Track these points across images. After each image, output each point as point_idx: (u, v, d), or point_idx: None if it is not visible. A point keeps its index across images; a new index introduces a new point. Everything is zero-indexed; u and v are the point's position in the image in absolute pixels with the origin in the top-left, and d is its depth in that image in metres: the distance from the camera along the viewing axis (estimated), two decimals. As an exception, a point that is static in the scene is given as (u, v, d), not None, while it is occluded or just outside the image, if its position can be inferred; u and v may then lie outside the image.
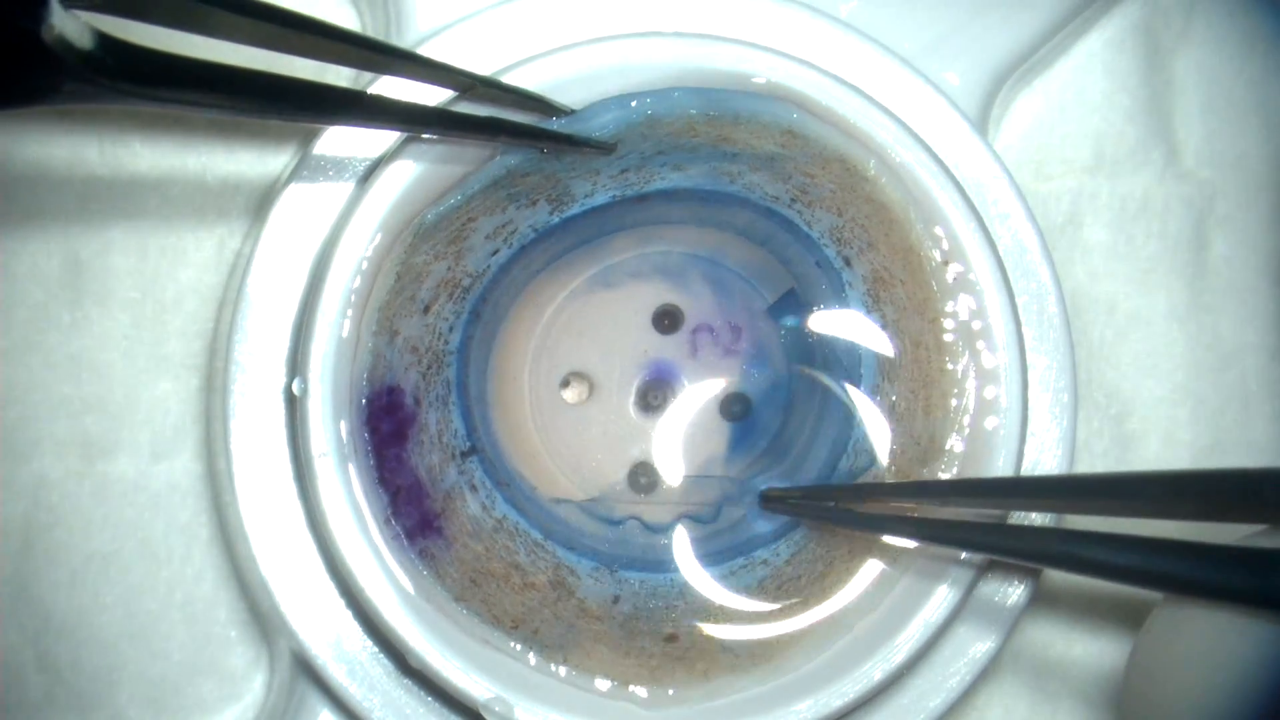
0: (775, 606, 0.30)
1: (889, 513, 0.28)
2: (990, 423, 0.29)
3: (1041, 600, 0.34)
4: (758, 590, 0.30)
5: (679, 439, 0.33)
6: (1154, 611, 0.23)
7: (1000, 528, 0.27)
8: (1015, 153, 0.35)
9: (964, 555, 0.28)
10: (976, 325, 0.29)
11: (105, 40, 0.19)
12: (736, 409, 0.33)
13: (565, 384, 0.33)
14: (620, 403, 0.33)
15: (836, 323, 0.32)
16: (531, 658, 0.28)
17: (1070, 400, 0.30)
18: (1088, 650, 0.34)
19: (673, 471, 0.32)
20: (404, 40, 0.31)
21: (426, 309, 0.30)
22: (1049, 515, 0.29)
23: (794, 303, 0.32)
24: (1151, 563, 0.20)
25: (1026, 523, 0.28)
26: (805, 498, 0.30)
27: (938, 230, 0.29)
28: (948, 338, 0.30)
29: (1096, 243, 0.35)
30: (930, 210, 0.29)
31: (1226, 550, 0.20)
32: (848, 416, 0.31)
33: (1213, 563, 0.19)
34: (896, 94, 0.30)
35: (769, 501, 0.30)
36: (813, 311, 0.32)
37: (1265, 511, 0.20)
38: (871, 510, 0.28)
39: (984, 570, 0.29)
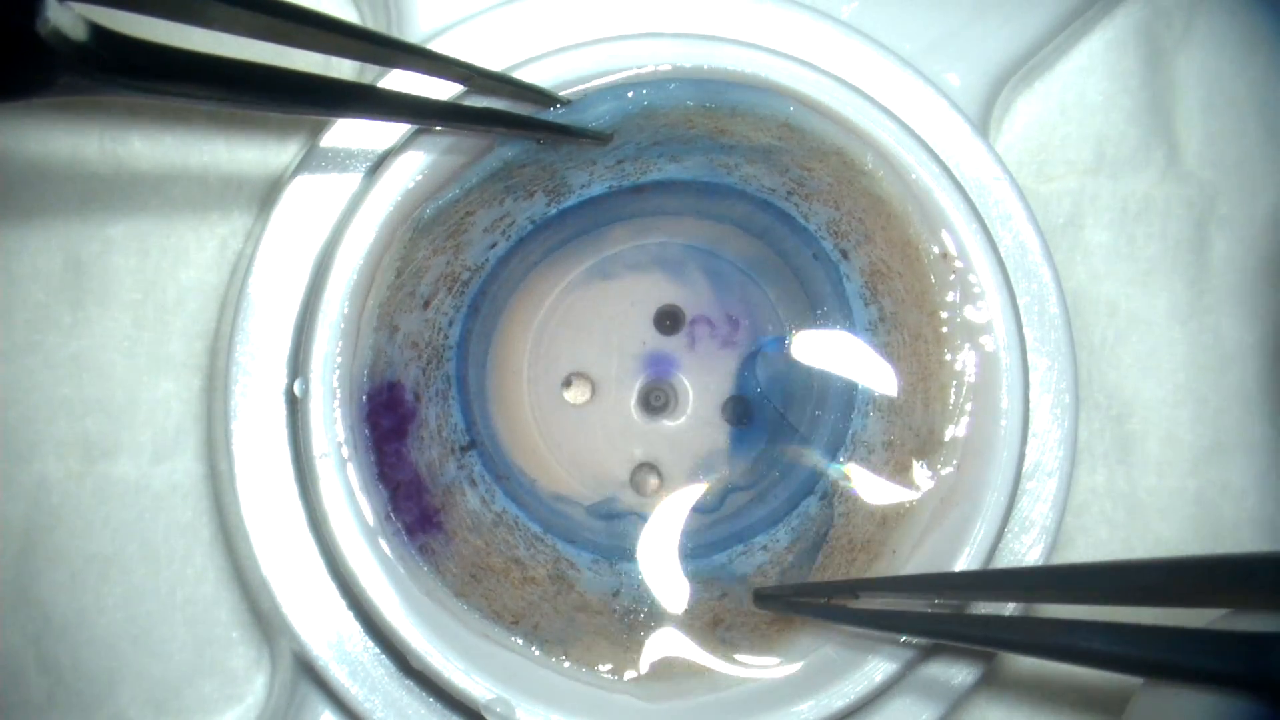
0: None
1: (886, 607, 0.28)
2: (991, 421, 0.29)
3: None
4: (758, 577, 0.30)
5: (680, 438, 0.33)
6: (1133, 698, 0.23)
7: (996, 620, 0.27)
8: (1016, 154, 0.35)
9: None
10: (978, 325, 0.29)
11: (99, 32, 0.19)
12: (736, 405, 0.33)
13: (567, 384, 0.33)
14: (621, 401, 0.33)
15: (833, 319, 0.32)
16: (533, 652, 0.28)
17: (1071, 401, 0.30)
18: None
19: (675, 474, 0.33)
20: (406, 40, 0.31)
21: (426, 304, 0.30)
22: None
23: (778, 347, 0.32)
24: (1143, 650, 0.20)
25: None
26: (799, 594, 0.29)
27: (941, 233, 0.29)
28: (945, 330, 0.30)
29: (1098, 244, 0.35)
30: (932, 211, 0.29)
31: (1211, 635, 0.20)
32: (846, 408, 0.31)
33: (1201, 648, 0.20)
34: (898, 95, 0.30)
35: (762, 600, 0.30)
36: (807, 315, 0.32)
37: (1261, 596, 0.21)
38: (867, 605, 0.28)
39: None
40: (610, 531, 0.32)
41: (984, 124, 0.33)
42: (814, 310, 0.32)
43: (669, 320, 0.33)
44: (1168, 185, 0.35)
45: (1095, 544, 0.34)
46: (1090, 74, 0.35)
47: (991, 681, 0.34)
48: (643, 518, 0.32)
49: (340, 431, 0.28)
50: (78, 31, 0.19)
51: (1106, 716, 0.34)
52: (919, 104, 0.31)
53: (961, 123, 0.31)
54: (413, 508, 0.29)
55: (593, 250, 0.33)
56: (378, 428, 0.29)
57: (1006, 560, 0.30)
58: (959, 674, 0.29)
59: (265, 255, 0.29)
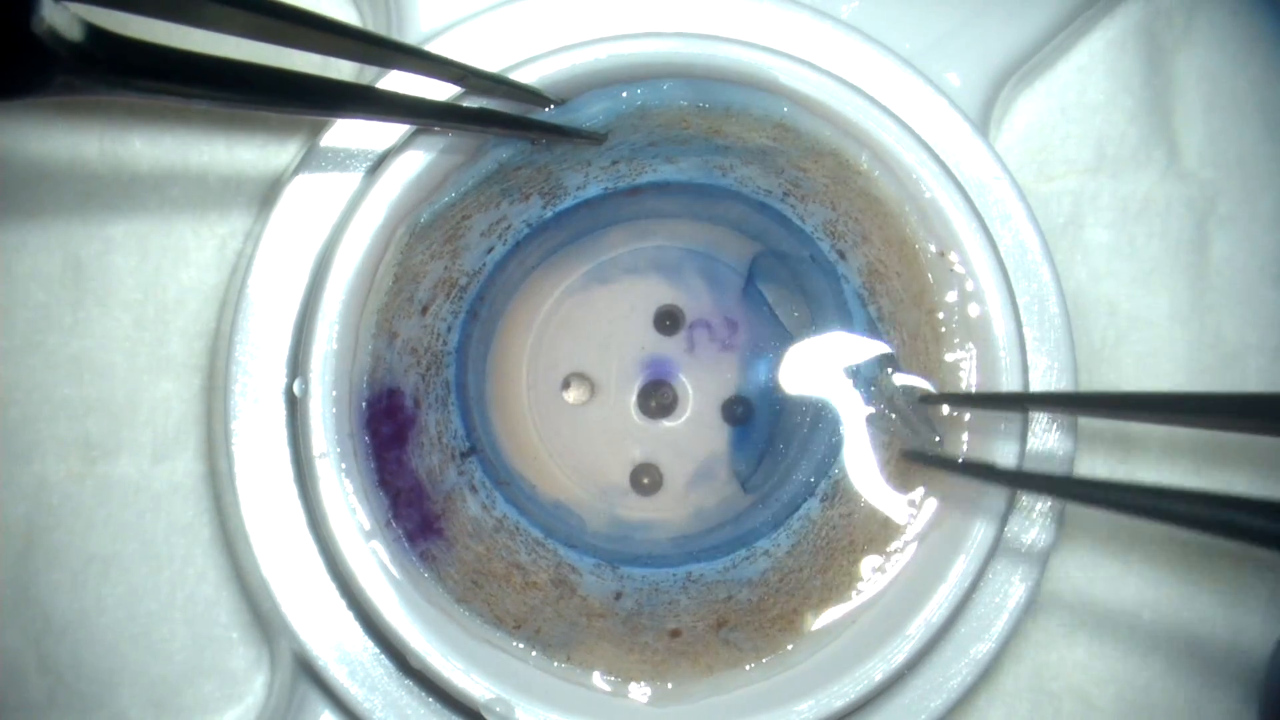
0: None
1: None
2: (991, 420, 0.29)
3: (1043, 599, 0.34)
4: (760, 583, 0.30)
5: (680, 440, 0.33)
6: None
7: (1155, 490, 0.25)
8: (1017, 153, 0.35)
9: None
10: (977, 325, 0.29)
11: (95, 32, 0.19)
12: (735, 406, 0.33)
13: (566, 385, 0.33)
14: (621, 403, 0.33)
15: (833, 316, 0.32)
16: (534, 657, 0.28)
17: (1072, 401, 0.30)
18: (1090, 651, 0.34)
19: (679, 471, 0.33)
20: (406, 40, 0.31)
21: (424, 310, 0.30)
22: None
23: (770, 267, 0.32)
24: None
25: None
26: (969, 402, 0.28)
27: (940, 232, 0.29)
28: (944, 329, 0.29)
29: (1098, 243, 0.35)
30: (931, 211, 0.29)
31: None
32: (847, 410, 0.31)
33: None
34: (897, 94, 0.30)
35: (928, 401, 0.29)
36: (806, 299, 0.32)
37: None
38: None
39: (985, 570, 0.29)
40: (612, 533, 0.32)
41: (984, 123, 0.33)
42: (811, 311, 0.32)
43: (669, 320, 0.33)
44: (1168, 184, 0.35)
45: (1096, 544, 0.34)
46: (1090, 73, 0.35)
47: (991, 684, 0.34)
48: (644, 522, 0.32)
49: (340, 432, 0.28)
50: (73, 31, 0.19)
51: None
52: (919, 103, 0.31)
53: (961, 122, 0.31)
54: (414, 514, 0.29)
55: (590, 254, 0.33)
56: (378, 434, 0.29)
57: (1006, 561, 0.30)
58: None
59: (265, 255, 0.29)
